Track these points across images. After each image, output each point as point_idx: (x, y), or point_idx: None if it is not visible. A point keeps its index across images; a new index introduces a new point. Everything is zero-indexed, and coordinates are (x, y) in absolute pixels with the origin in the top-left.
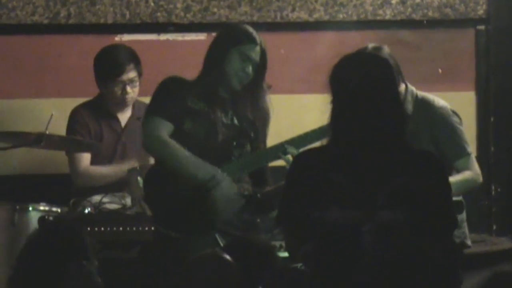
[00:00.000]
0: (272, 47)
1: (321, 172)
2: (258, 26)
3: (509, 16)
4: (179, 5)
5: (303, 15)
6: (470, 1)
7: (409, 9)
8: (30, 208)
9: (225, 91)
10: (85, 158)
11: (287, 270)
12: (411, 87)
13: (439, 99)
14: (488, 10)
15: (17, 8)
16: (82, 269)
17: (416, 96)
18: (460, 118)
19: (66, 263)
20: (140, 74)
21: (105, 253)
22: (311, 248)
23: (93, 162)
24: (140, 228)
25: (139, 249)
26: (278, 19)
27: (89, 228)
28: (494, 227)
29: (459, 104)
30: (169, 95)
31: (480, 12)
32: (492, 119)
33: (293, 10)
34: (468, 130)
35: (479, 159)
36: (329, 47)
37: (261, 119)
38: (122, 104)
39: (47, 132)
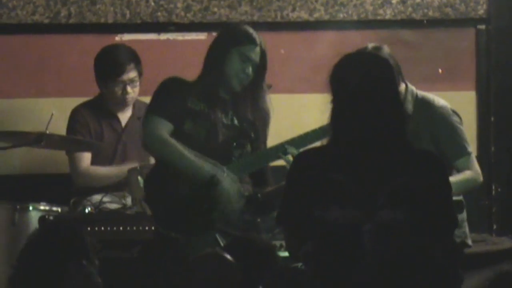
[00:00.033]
0: (273, 47)
1: (321, 171)
2: (258, 25)
3: (510, 15)
4: (179, 5)
5: (304, 15)
6: (470, 0)
7: (410, 9)
8: (31, 208)
9: (225, 92)
10: (86, 157)
11: (288, 270)
12: (411, 87)
13: (439, 99)
14: (489, 9)
15: (17, 7)
16: (82, 269)
17: (416, 95)
18: (460, 118)
19: (66, 262)
20: (140, 74)
21: (105, 252)
22: (311, 248)
23: (94, 161)
24: (140, 228)
25: (139, 249)
26: (279, 19)
27: (89, 228)
28: (495, 227)
29: (459, 103)
30: (169, 95)
31: (481, 11)
32: (492, 118)
33: (294, 9)
34: (469, 129)
35: (479, 158)
36: (329, 47)
37: (261, 119)
38: (122, 104)
39: (48, 132)
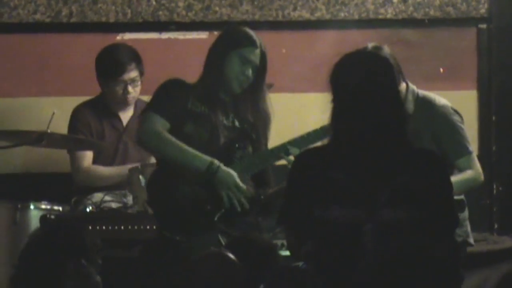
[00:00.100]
0: (274, 46)
1: (322, 171)
2: (259, 24)
3: (511, 14)
4: (180, 4)
5: (305, 14)
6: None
7: (411, 8)
8: (32, 207)
9: (226, 94)
10: (87, 156)
11: (289, 269)
12: (412, 86)
13: (440, 98)
14: (490, 8)
15: (19, 6)
16: (81, 269)
17: (417, 95)
18: (461, 117)
19: (67, 261)
20: (141, 74)
21: (107, 251)
22: (312, 247)
23: (95, 161)
24: (142, 227)
25: (140, 248)
26: (280, 18)
27: (90, 227)
28: (496, 226)
29: (460, 103)
30: (169, 96)
31: (482, 11)
32: (494, 118)
33: (295, 8)
34: (470, 129)
35: (480, 158)
36: (330, 46)
37: (262, 121)
38: (123, 103)
39: (49, 131)
